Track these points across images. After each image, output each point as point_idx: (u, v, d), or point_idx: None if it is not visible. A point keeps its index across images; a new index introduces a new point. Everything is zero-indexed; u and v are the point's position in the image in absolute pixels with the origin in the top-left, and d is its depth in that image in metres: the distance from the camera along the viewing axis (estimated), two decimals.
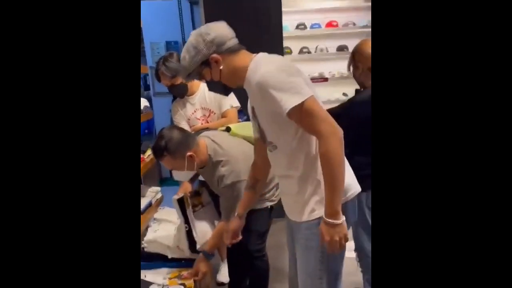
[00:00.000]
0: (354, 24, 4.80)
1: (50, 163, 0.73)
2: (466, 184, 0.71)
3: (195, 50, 1.34)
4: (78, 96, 0.76)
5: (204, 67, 1.36)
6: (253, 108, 1.45)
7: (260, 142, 1.56)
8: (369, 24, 4.80)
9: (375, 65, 0.79)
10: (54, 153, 0.74)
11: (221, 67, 1.35)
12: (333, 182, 1.25)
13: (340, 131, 1.24)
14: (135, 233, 0.82)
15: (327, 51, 4.83)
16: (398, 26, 0.75)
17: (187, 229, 2.07)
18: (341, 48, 4.81)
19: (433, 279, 0.74)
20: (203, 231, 2.07)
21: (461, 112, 0.71)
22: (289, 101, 1.21)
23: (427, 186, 0.74)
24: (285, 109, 1.23)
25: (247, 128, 2.00)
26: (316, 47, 4.85)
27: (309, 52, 4.81)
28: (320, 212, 1.34)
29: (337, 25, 4.81)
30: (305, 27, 4.77)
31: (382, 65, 0.76)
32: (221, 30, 1.36)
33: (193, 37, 1.35)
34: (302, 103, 1.22)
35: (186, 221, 2.07)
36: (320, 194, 1.34)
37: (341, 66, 4.97)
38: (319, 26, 4.82)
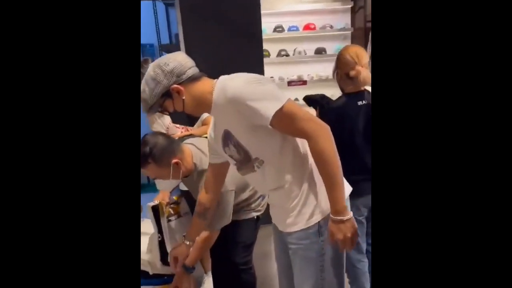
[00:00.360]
0: (331, 26, 4.81)
1: (49, 166, 0.72)
2: (466, 185, 0.71)
3: (154, 82, 1.28)
4: (77, 96, 0.75)
5: (165, 99, 1.30)
6: (225, 133, 1.35)
7: (215, 168, 1.54)
8: (347, 26, 4.82)
9: (375, 65, 0.79)
10: (51, 157, 0.72)
11: (184, 97, 1.29)
12: (332, 179, 1.21)
13: (326, 127, 1.21)
14: (135, 234, 0.81)
15: (305, 54, 4.83)
16: (398, 26, 0.75)
17: (159, 239, 1.95)
18: (319, 51, 4.82)
19: (433, 280, 0.74)
20: (177, 242, 1.97)
21: (461, 113, 0.71)
22: (269, 109, 1.18)
23: (427, 187, 0.74)
24: (266, 117, 1.18)
25: None
26: (294, 49, 4.83)
27: (287, 55, 4.79)
28: (317, 217, 1.30)
29: (314, 28, 4.80)
30: (283, 30, 4.75)
31: (382, 65, 0.76)
32: (179, 59, 1.31)
33: (151, 68, 1.30)
34: (282, 107, 1.18)
35: (160, 230, 1.95)
36: (315, 198, 1.31)
37: (320, 69, 5.01)
38: (297, 29, 4.81)
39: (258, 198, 1.95)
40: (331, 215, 1.23)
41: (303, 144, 1.30)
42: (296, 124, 1.20)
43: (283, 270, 1.54)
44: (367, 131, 1.84)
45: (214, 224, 1.74)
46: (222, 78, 1.30)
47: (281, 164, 1.31)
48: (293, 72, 4.86)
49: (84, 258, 0.74)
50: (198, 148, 1.82)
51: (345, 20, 4.86)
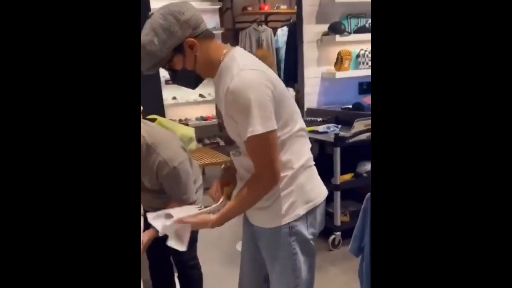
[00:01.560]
0: None
1: (49, 166, 0.70)
2: (467, 186, 0.72)
3: (166, 32, 1.10)
4: (76, 95, 0.72)
5: (176, 54, 1.14)
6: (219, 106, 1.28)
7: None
8: (217, 26, 4.99)
9: (375, 65, 0.79)
10: (50, 156, 0.70)
11: (197, 54, 1.15)
12: (238, 205, 1.23)
13: (277, 180, 1.18)
14: (135, 232, 0.79)
15: None
16: (398, 26, 0.74)
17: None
18: None
19: (434, 280, 0.75)
20: None
21: (461, 114, 0.72)
22: (252, 128, 1.09)
23: (426, 187, 0.73)
24: (244, 134, 1.11)
25: (170, 123, 1.89)
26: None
27: None
28: (289, 218, 1.25)
29: None
30: None
31: (382, 66, 0.76)
32: (194, 9, 1.15)
33: (160, 16, 1.11)
34: (261, 134, 1.09)
35: None
36: (288, 199, 1.24)
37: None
38: None
39: (197, 191, 1.90)
40: (209, 223, 1.23)
41: (286, 151, 1.23)
42: (260, 156, 1.15)
43: (247, 263, 1.49)
44: None
45: (184, 198, 1.64)
46: (236, 53, 1.19)
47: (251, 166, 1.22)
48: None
49: (84, 256, 0.72)
50: (143, 122, 1.69)
51: (215, 20, 5.03)
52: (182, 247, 1.25)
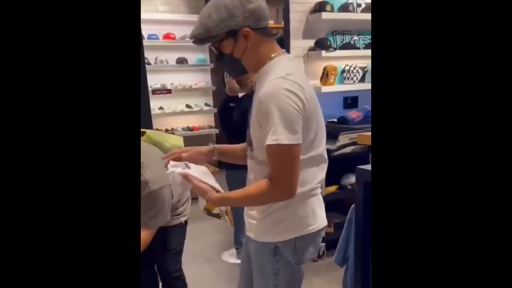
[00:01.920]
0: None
1: (49, 165, 0.69)
2: (469, 186, 0.70)
3: (228, 13, 1.11)
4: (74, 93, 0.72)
5: (228, 37, 1.14)
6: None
7: None
8: None
9: (375, 66, 0.79)
10: (49, 156, 0.70)
11: (248, 45, 1.15)
12: (243, 197, 1.21)
13: (292, 195, 1.15)
14: (135, 231, 0.79)
15: (167, 63, 4.81)
16: (398, 27, 0.72)
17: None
18: (181, 61, 4.88)
19: (434, 281, 0.73)
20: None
21: (461, 114, 0.71)
22: (277, 136, 1.08)
23: (426, 187, 0.72)
24: (265, 140, 1.10)
25: (158, 135, 1.90)
26: (156, 58, 4.75)
27: (149, 63, 4.67)
28: (276, 238, 1.24)
29: (174, 38, 4.84)
30: (143, 37, 4.61)
31: (382, 66, 0.76)
32: (263, 4, 1.16)
33: None
34: (285, 145, 1.08)
35: None
36: (281, 220, 1.23)
37: (183, 78, 5.09)
38: (157, 37, 4.75)
39: (185, 202, 1.96)
40: (211, 194, 1.23)
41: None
42: (282, 167, 1.13)
43: (243, 272, 1.47)
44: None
45: (150, 222, 1.62)
46: (286, 60, 1.19)
47: (262, 172, 1.21)
48: (155, 80, 4.76)
49: (83, 256, 0.72)
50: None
51: None
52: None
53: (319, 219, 1.28)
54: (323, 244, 2.80)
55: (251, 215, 1.29)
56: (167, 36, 4.82)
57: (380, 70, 0.76)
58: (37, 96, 0.68)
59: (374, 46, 0.79)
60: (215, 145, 1.43)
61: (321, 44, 3.16)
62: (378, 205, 0.77)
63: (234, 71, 1.28)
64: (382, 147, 0.75)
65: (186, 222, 1.95)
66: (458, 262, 0.70)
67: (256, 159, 1.23)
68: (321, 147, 1.25)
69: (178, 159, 1.35)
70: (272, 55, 1.19)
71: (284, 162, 1.13)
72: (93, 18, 0.71)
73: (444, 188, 0.71)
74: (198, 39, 1.17)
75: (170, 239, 1.87)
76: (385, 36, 0.74)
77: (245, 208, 1.37)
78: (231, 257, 2.97)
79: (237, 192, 1.23)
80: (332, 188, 2.81)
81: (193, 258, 2.84)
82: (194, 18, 4.98)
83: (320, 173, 1.26)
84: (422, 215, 0.72)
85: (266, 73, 1.16)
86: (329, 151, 2.71)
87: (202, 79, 5.10)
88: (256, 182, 1.20)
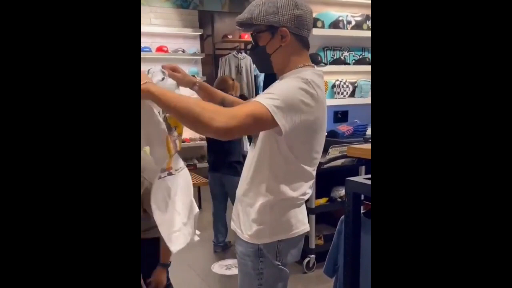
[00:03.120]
0: (183, 51, 5.00)
1: (48, 164, 0.69)
2: (470, 186, 0.70)
3: (275, 8, 1.16)
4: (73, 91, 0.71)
5: (267, 30, 1.19)
6: None
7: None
8: (198, 52, 5.10)
9: (375, 66, 0.79)
10: (49, 155, 0.69)
11: (282, 45, 1.19)
12: (180, 101, 1.06)
13: (221, 133, 1.06)
14: (135, 230, 0.78)
15: None
16: (398, 27, 0.73)
17: None
18: None
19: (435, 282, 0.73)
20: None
21: (461, 115, 0.71)
22: (265, 101, 1.09)
23: (426, 188, 0.72)
24: (256, 98, 1.13)
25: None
26: (148, 70, 4.77)
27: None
28: (260, 240, 1.24)
29: (167, 51, 4.89)
30: None
31: (382, 68, 0.77)
32: (310, 15, 1.22)
33: None
34: (264, 108, 1.07)
35: None
36: (266, 222, 1.24)
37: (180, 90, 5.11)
38: (150, 50, 4.79)
39: None
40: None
41: (288, 179, 1.24)
42: (242, 107, 1.11)
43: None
44: None
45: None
46: (312, 72, 1.21)
47: (258, 169, 1.24)
48: None
49: (83, 256, 0.72)
50: None
51: (195, 46, 5.14)
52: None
53: (301, 224, 1.31)
54: (313, 256, 2.83)
55: (245, 211, 1.29)
56: (159, 49, 4.87)
57: (379, 81, 0.77)
58: (42, 99, 0.68)
59: (374, 56, 0.80)
60: (199, 81, 1.45)
61: (312, 59, 3.22)
62: (378, 218, 0.77)
63: (260, 64, 1.31)
64: (382, 158, 0.76)
65: None
66: (457, 274, 0.71)
67: (257, 147, 1.25)
68: (316, 166, 1.30)
69: (174, 69, 1.36)
70: (301, 65, 1.22)
71: (248, 112, 1.07)
72: (95, 25, 0.71)
73: (444, 200, 0.71)
74: (241, 22, 1.21)
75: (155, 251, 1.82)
76: (385, 47, 0.76)
77: (243, 202, 1.33)
78: (221, 269, 2.97)
79: (182, 97, 1.10)
80: (322, 201, 2.84)
81: (184, 270, 2.84)
82: (187, 31, 5.05)
83: (308, 189, 1.30)
84: (422, 227, 0.72)
85: (289, 77, 1.20)
86: (319, 164, 2.77)
87: (194, 92, 5.13)
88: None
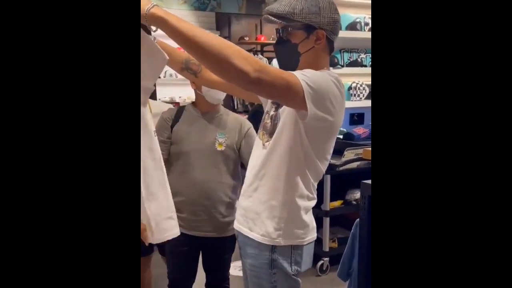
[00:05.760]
0: None
1: (48, 163, 0.68)
2: (470, 186, 0.70)
3: (318, 10, 1.16)
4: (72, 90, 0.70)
5: (304, 29, 1.17)
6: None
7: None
8: None
9: (376, 65, 0.79)
10: (49, 153, 0.68)
11: (315, 46, 1.19)
12: (196, 31, 0.97)
13: (251, 78, 0.94)
14: (135, 229, 0.77)
15: (176, 77, 4.88)
16: (398, 27, 0.74)
17: None
18: None
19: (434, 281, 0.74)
20: None
21: (461, 114, 0.71)
22: (298, 75, 1.09)
23: (426, 188, 0.72)
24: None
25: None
26: (165, 72, 4.84)
27: (158, 77, 4.75)
28: (272, 241, 1.22)
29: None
30: None
31: (382, 68, 0.76)
32: (340, 24, 1.25)
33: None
34: (298, 81, 1.06)
35: None
36: (281, 223, 1.22)
37: (191, 92, 5.14)
38: None
39: None
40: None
41: (299, 171, 1.23)
42: (277, 70, 1.07)
43: (244, 274, 1.42)
44: None
45: None
46: (334, 73, 1.23)
47: (279, 168, 1.22)
48: (164, 93, 4.85)
49: (83, 256, 0.71)
50: None
51: None
52: None
53: (313, 230, 1.32)
54: (326, 259, 2.81)
55: (251, 209, 1.27)
56: None
57: (380, 84, 0.77)
58: (45, 101, 0.68)
59: (374, 59, 0.81)
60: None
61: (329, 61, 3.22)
62: (378, 219, 0.77)
63: (287, 61, 1.24)
64: (383, 160, 0.76)
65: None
66: (459, 277, 0.71)
67: (269, 148, 1.22)
68: (325, 169, 1.32)
69: None
70: (326, 68, 1.24)
71: (284, 76, 1.04)
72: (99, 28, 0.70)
73: (446, 202, 0.71)
74: (278, 15, 1.15)
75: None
76: (385, 50, 0.76)
77: (246, 203, 1.30)
78: (233, 270, 2.98)
79: (202, 30, 1.00)
80: (337, 203, 2.82)
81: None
82: None
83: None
84: (422, 228, 0.72)
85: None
86: (334, 166, 2.76)
87: None
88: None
